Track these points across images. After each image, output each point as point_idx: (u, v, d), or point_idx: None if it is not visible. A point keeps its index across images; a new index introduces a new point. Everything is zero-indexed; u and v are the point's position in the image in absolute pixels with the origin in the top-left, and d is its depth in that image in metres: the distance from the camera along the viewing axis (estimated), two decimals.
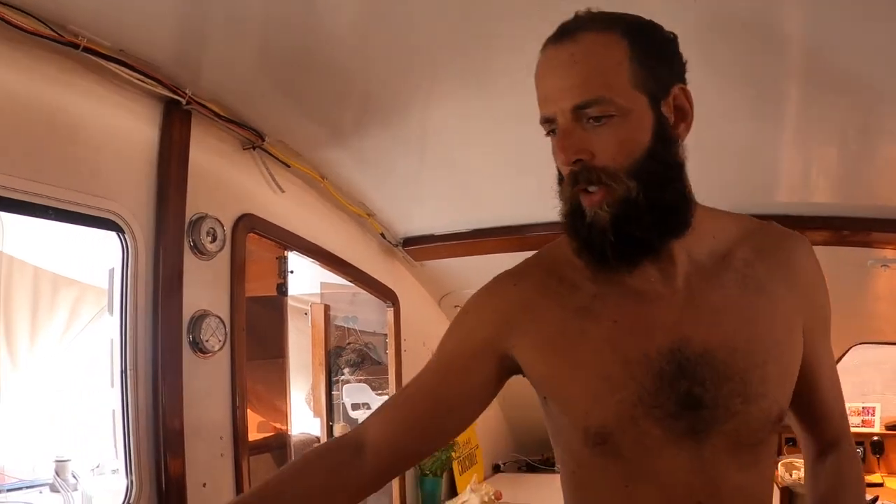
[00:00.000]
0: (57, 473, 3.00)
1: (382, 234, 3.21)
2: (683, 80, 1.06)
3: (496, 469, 4.43)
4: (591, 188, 1.02)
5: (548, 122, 1.04)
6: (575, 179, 1.02)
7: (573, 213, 1.05)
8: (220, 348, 2.14)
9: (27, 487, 3.10)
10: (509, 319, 1.14)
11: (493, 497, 3.21)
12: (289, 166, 2.56)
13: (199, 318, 2.07)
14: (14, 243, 2.96)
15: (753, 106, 2.13)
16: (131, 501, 1.84)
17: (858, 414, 5.87)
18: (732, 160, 2.44)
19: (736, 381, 1.03)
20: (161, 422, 1.91)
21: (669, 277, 1.09)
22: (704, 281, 1.09)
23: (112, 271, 1.95)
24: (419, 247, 3.33)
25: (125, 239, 1.91)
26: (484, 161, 2.68)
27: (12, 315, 3.20)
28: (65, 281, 3.30)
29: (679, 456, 1.04)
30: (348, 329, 4.34)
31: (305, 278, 3.58)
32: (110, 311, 1.94)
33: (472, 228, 3.20)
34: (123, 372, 1.87)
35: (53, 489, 3.01)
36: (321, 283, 3.72)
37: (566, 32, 1.02)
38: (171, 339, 1.97)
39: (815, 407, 1.22)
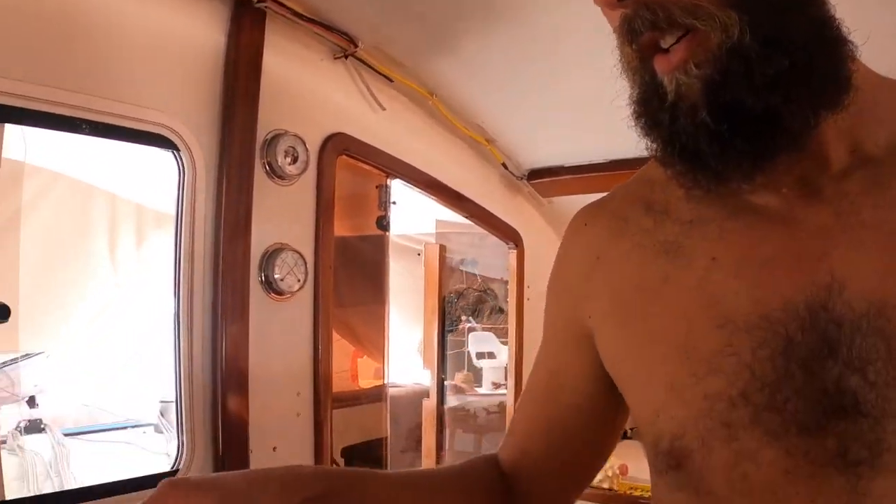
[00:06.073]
0: (161, 414, 2.90)
1: (504, 165, 2.80)
2: None
3: (623, 436, 3.98)
4: (666, 41, 0.60)
5: None
6: (632, 30, 0.61)
7: (647, 93, 0.62)
8: (300, 289, 1.83)
9: (132, 427, 3.05)
10: (581, 284, 0.79)
11: (617, 472, 2.79)
12: (391, 80, 2.19)
13: (273, 253, 1.76)
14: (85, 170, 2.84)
15: None
16: (180, 467, 1.57)
17: None
18: None
19: None
20: (220, 374, 1.62)
21: (814, 187, 0.63)
22: (877, 191, 0.62)
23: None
24: (547, 180, 2.89)
25: (181, 158, 1.61)
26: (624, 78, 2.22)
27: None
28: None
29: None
30: (469, 274, 4.00)
31: (420, 216, 3.25)
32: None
33: (609, 159, 2.73)
34: (176, 315, 1.59)
35: (157, 430, 2.93)
36: (437, 220, 3.38)
37: None
38: (236, 276, 1.67)
39: None
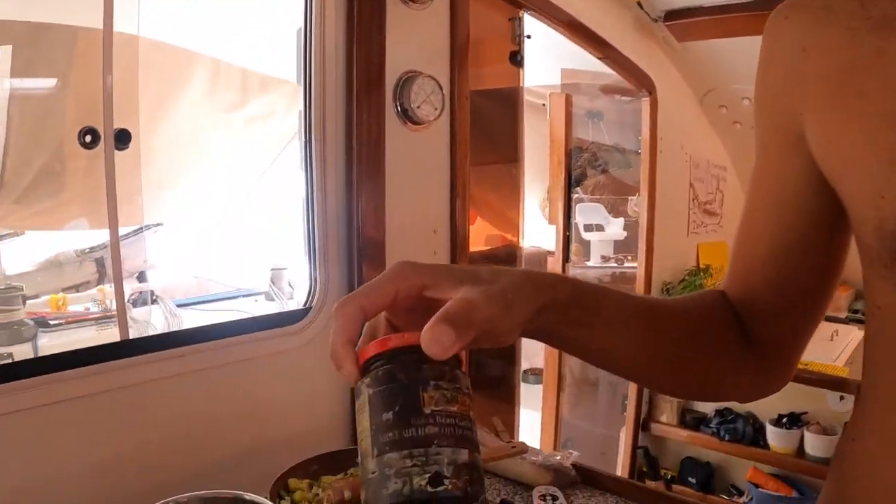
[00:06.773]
0: (272, 282, 2.90)
1: (639, 4, 2.57)
2: None
3: None
4: None
5: None
6: None
7: None
8: (437, 117, 1.72)
9: (244, 296, 3.06)
10: (789, 80, 0.69)
11: None
12: None
13: (408, 80, 1.65)
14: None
15: None
16: (313, 304, 1.52)
17: None
18: None
19: None
20: (355, 208, 1.55)
21: None
22: None
23: (299, 31, 1.57)
24: (683, 21, 2.65)
25: None
26: None
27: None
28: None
29: None
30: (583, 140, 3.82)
31: (542, 69, 3.06)
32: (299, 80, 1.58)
33: None
34: (307, 145, 1.51)
35: (269, 297, 2.94)
36: (562, 70, 3.19)
37: None
38: (371, 105, 1.57)
39: None
